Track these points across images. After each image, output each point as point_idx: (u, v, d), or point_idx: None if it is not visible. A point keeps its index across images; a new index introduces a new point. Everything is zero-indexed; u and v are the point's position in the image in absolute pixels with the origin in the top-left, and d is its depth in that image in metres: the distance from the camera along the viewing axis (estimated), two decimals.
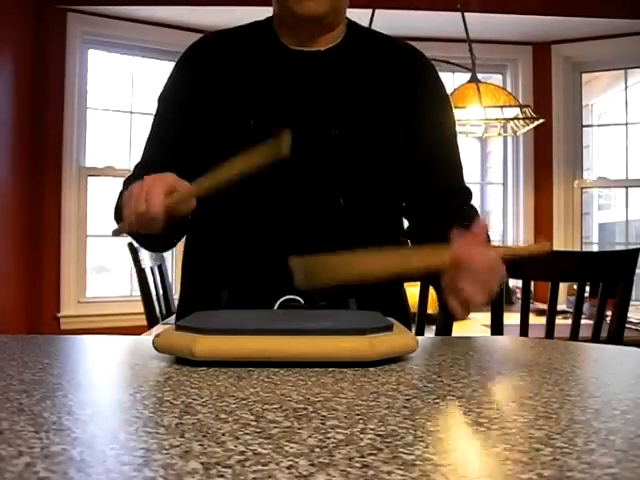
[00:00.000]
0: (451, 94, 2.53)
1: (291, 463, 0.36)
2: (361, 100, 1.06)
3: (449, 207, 1.09)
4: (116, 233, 0.90)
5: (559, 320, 1.88)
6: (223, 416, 0.46)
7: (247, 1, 2.90)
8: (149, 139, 1.14)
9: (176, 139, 1.09)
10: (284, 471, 0.34)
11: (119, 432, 0.42)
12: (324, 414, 0.47)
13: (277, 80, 1.06)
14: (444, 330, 1.71)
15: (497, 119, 2.55)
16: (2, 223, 2.89)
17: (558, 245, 3.62)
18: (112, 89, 3.49)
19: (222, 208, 1.07)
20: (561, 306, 2.14)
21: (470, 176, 3.80)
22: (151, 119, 1.15)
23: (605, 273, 1.68)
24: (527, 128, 2.69)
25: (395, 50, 1.11)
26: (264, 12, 1.12)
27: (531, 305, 1.90)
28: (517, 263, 1.66)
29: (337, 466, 0.35)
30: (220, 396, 0.52)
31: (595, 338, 1.71)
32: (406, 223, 1.16)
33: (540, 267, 1.70)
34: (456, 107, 2.44)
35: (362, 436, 0.41)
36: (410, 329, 1.01)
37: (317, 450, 0.38)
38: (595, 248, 3.95)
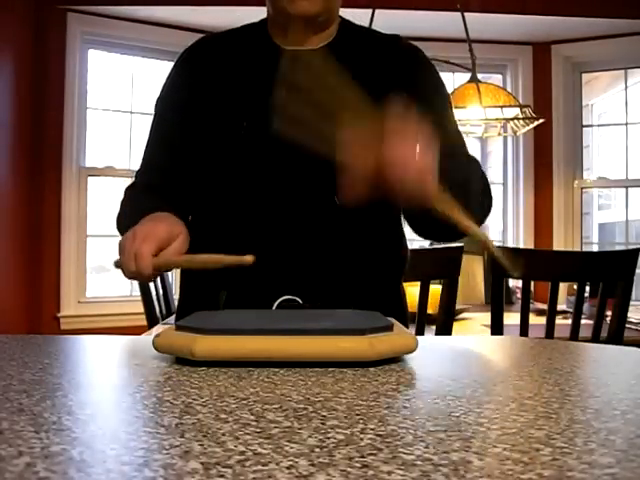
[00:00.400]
0: (451, 94, 2.53)
1: (291, 463, 0.36)
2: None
3: None
4: (116, 265, 0.92)
5: (559, 320, 1.89)
6: (223, 416, 0.46)
7: (247, 1, 2.90)
8: (148, 143, 1.14)
9: (175, 142, 1.10)
10: (284, 471, 0.34)
11: (119, 432, 0.42)
12: (324, 414, 0.47)
13: (270, 80, 1.06)
14: (444, 330, 1.71)
15: (497, 119, 2.55)
16: (2, 223, 2.89)
17: (558, 245, 3.62)
18: (112, 89, 3.49)
19: (219, 209, 1.07)
20: (561, 306, 2.14)
21: None
22: (151, 120, 1.15)
23: (605, 273, 1.69)
24: (527, 128, 2.69)
25: (389, 46, 1.11)
26: (264, 12, 1.12)
27: (531, 305, 1.90)
28: (517, 263, 1.66)
29: (337, 466, 0.35)
30: (220, 396, 0.52)
31: (595, 338, 1.71)
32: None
33: (540, 267, 1.70)
34: (456, 107, 2.44)
35: (362, 436, 0.41)
36: (408, 329, 1.00)
37: (317, 450, 0.38)
38: (595, 248, 3.95)
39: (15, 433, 0.41)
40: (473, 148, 4.11)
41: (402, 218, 1.16)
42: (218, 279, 1.05)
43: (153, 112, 1.14)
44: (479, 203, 1.01)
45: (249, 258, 0.85)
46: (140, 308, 2.21)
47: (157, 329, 1.89)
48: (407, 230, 1.16)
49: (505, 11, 3.27)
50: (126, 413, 0.48)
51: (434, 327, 1.78)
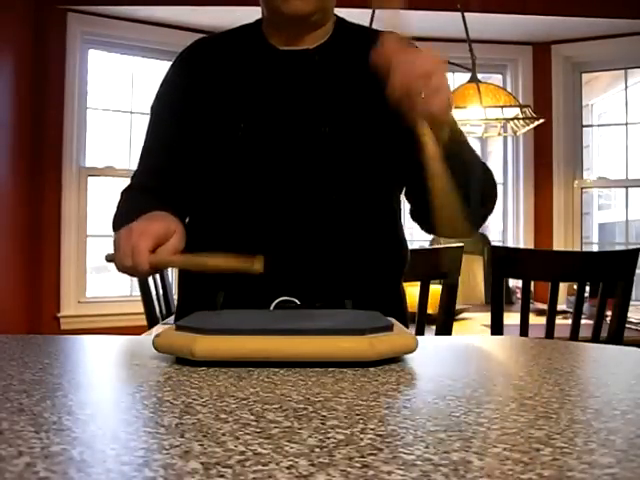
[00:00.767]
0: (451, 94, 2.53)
1: (291, 463, 0.36)
2: (350, 96, 1.06)
3: None
4: (109, 259, 0.91)
5: (559, 320, 1.89)
6: (223, 416, 0.46)
7: (247, 1, 2.90)
8: (145, 145, 1.14)
9: (172, 144, 1.10)
10: (284, 471, 0.34)
11: (119, 432, 0.42)
12: (324, 414, 0.47)
13: (267, 81, 1.07)
14: (444, 330, 1.71)
15: (497, 119, 2.55)
16: (2, 223, 2.89)
17: (558, 245, 3.62)
18: (112, 89, 3.49)
19: (217, 209, 1.07)
20: (561, 306, 2.14)
21: None
22: (147, 121, 1.15)
23: (605, 273, 1.68)
24: (527, 128, 2.69)
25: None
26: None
27: (531, 305, 1.90)
28: (517, 263, 1.67)
29: (337, 466, 0.35)
30: (220, 396, 0.52)
31: (595, 338, 1.71)
32: (408, 206, 1.16)
33: (540, 267, 1.70)
34: (456, 107, 2.44)
35: (362, 436, 0.41)
36: (407, 329, 1.00)
37: (317, 450, 0.38)
38: (595, 248, 3.96)
39: (15, 433, 0.41)
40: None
41: (402, 217, 1.16)
42: (216, 279, 1.05)
43: (150, 113, 1.14)
44: (480, 188, 1.02)
45: (258, 266, 0.85)
46: (140, 308, 2.21)
47: (157, 329, 1.89)
48: (407, 231, 1.16)
49: (505, 11, 3.27)
50: (126, 413, 0.48)
51: (434, 327, 1.78)
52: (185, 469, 0.34)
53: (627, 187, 3.71)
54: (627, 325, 1.78)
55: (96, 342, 0.86)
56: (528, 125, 2.64)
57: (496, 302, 1.68)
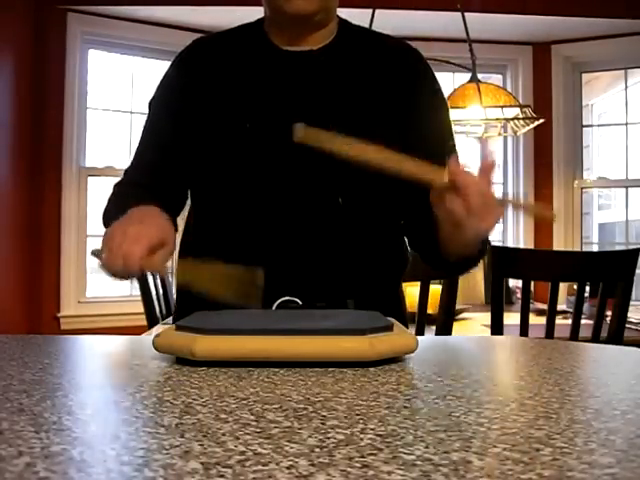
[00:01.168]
0: (451, 94, 2.53)
1: (291, 463, 0.36)
2: (356, 99, 1.05)
3: None
4: (95, 254, 0.90)
5: (559, 320, 1.88)
6: (223, 416, 0.46)
7: (247, 1, 2.90)
8: (141, 142, 1.14)
9: (168, 143, 1.09)
10: (284, 471, 0.34)
11: (119, 432, 0.42)
12: (324, 414, 0.47)
13: (271, 82, 1.06)
14: (444, 330, 1.71)
15: (497, 119, 2.55)
16: (2, 223, 2.89)
17: (558, 245, 3.62)
18: (112, 89, 3.49)
19: (221, 210, 1.07)
20: (561, 306, 2.14)
21: None
22: (144, 119, 1.15)
23: (605, 273, 1.68)
24: (527, 128, 2.69)
25: (388, 48, 1.11)
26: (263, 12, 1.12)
27: (531, 305, 1.90)
28: (517, 263, 1.67)
29: (337, 466, 0.35)
30: (220, 396, 0.52)
31: (595, 338, 1.71)
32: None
33: (540, 267, 1.70)
34: (456, 107, 2.44)
35: (362, 436, 0.41)
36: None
37: (317, 450, 0.38)
38: (595, 248, 3.96)
39: (15, 433, 0.41)
40: (473, 148, 4.11)
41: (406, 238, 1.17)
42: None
43: (147, 111, 1.14)
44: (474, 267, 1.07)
45: (259, 281, 0.85)
46: (140, 308, 2.21)
47: (157, 329, 1.89)
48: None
49: (505, 11, 3.27)
50: (126, 413, 0.48)
51: (434, 327, 1.78)
52: (185, 469, 0.34)
53: (627, 187, 3.71)
54: (627, 325, 1.78)
55: (96, 342, 0.86)
56: (528, 125, 2.64)
57: (496, 302, 1.68)
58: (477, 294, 2.83)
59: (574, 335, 1.68)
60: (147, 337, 0.82)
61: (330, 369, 0.64)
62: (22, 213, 3.05)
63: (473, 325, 2.22)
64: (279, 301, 0.98)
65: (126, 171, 1.15)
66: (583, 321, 1.72)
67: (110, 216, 0.99)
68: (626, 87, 3.69)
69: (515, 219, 3.72)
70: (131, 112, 3.47)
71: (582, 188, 3.70)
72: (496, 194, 0.82)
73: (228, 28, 1.14)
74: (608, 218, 4.35)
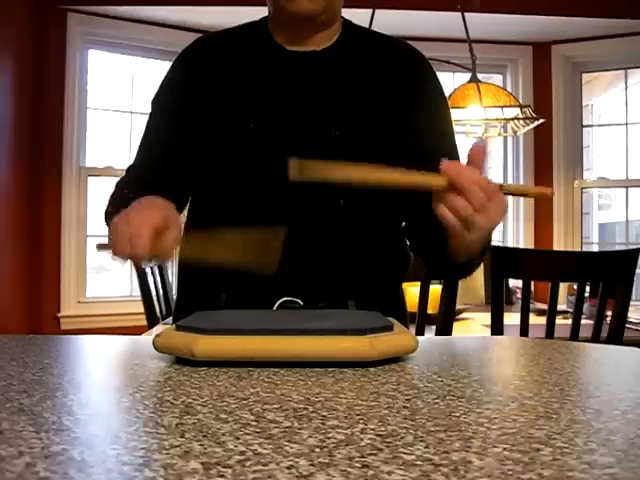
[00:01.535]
0: (451, 94, 2.53)
1: (291, 463, 0.36)
2: (360, 100, 1.05)
3: None
4: (102, 247, 0.89)
5: (559, 320, 1.88)
6: (223, 416, 0.46)
7: (247, 1, 2.90)
8: (143, 141, 1.14)
9: (171, 140, 1.09)
10: (284, 471, 0.34)
11: (119, 432, 0.42)
12: (324, 414, 0.47)
13: (275, 82, 1.06)
14: (444, 330, 1.71)
15: (497, 119, 2.55)
16: (2, 223, 2.89)
17: (558, 245, 3.62)
18: (112, 89, 3.49)
19: (223, 209, 1.07)
20: (561, 306, 2.14)
21: None
22: (147, 118, 1.15)
23: (605, 273, 1.68)
24: (527, 128, 2.69)
25: (391, 48, 1.11)
26: (265, 12, 1.12)
27: (531, 305, 1.90)
28: (517, 263, 1.67)
29: (337, 466, 0.35)
30: (220, 396, 0.52)
31: (595, 338, 1.71)
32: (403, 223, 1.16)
33: (540, 267, 1.70)
34: (456, 107, 2.44)
35: (362, 436, 0.41)
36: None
37: (317, 450, 0.38)
38: (595, 248, 3.96)
39: (15, 433, 0.41)
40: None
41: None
42: (217, 280, 1.04)
43: (149, 110, 1.14)
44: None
45: (276, 243, 0.84)
46: (140, 308, 2.21)
47: (157, 329, 1.89)
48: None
49: (505, 11, 3.27)
50: (126, 413, 0.48)
51: (434, 327, 1.78)
52: (185, 469, 0.34)
53: (627, 187, 3.71)
54: (627, 325, 1.78)
55: (96, 342, 0.86)
56: (528, 125, 2.64)
57: (496, 302, 1.68)
58: (477, 294, 2.83)
59: (574, 335, 1.68)
60: (147, 337, 0.82)
61: (330, 369, 0.64)
62: (22, 213, 3.05)
63: (473, 325, 2.22)
64: (280, 301, 0.98)
65: (128, 169, 1.15)
66: (583, 321, 1.72)
67: (112, 212, 0.98)
68: (626, 87, 3.69)
69: (515, 218, 3.72)
70: (131, 112, 3.47)
71: (582, 188, 3.70)
72: (492, 184, 0.81)
73: (232, 26, 1.13)
74: (608, 218, 4.35)
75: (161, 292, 2.34)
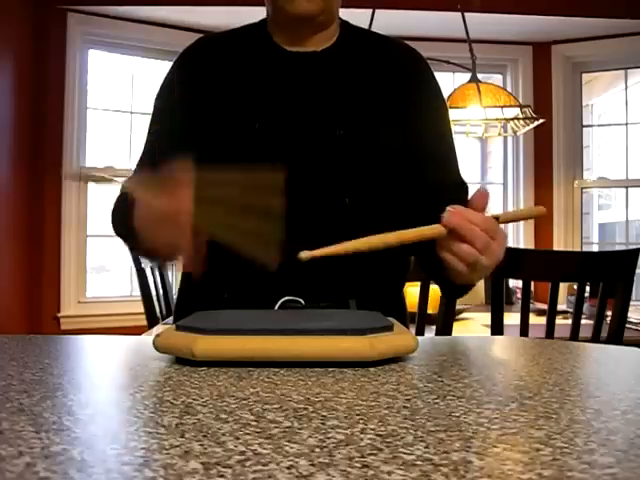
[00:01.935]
0: (451, 94, 2.53)
1: (291, 463, 0.36)
2: (362, 100, 1.06)
3: (446, 201, 1.09)
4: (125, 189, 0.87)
5: (559, 320, 1.88)
6: (223, 416, 0.46)
7: (247, 1, 2.90)
8: (146, 141, 1.13)
9: (174, 141, 1.09)
10: (284, 471, 0.34)
11: (119, 432, 0.42)
12: (324, 414, 0.47)
13: (278, 82, 1.06)
14: (444, 330, 1.71)
15: (497, 119, 2.55)
16: (2, 223, 2.89)
17: (558, 245, 3.62)
18: (112, 89, 3.49)
19: None
20: (561, 306, 2.14)
21: (470, 176, 3.81)
22: (149, 119, 1.15)
23: (605, 273, 1.68)
24: (527, 128, 2.69)
25: (390, 49, 1.12)
26: (264, 12, 1.12)
27: (531, 305, 1.90)
28: (517, 263, 1.67)
29: (337, 466, 0.35)
30: (220, 396, 0.52)
31: (595, 338, 1.71)
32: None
33: (540, 267, 1.70)
34: (456, 107, 2.44)
35: (362, 436, 0.41)
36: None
37: (317, 450, 0.38)
38: (595, 248, 3.96)
39: (15, 433, 0.41)
40: (473, 148, 4.11)
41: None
42: (219, 280, 1.04)
43: (151, 111, 1.14)
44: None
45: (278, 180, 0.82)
46: (140, 308, 2.21)
47: (157, 329, 1.89)
48: None
49: (505, 11, 3.27)
50: (126, 413, 0.48)
51: (434, 327, 1.78)
52: (185, 469, 0.34)
53: (627, 187, 3.71)
54: (627, 325, 1.78)
55: (96, 342, 0.86)
56: (528, 125, 2.64)
57: (496, 302, 1.68)
58: (477, 294, 2.83)
59: (574, 335, 1.68)
60: (147, 337, 0.82)
61: (330, 369, 0.64)
62: (22, 213, 3.05)
63: (473, 325, 2.22)
64: (281, 301, 0.98)
65: (134, 171, 1.15)
66: (583, 321, 1.72)
67: (116, 215, 0.98)
68: (626, 87, 3.69)
69: None
70: (131, 112, 3.47)
71: (582, 188, 3.70)
72: (493, 222, 0.82)
73: (231, 28, 1.14)
74: (608, 218, 4.35)
75: (161, 292, 2.34)
